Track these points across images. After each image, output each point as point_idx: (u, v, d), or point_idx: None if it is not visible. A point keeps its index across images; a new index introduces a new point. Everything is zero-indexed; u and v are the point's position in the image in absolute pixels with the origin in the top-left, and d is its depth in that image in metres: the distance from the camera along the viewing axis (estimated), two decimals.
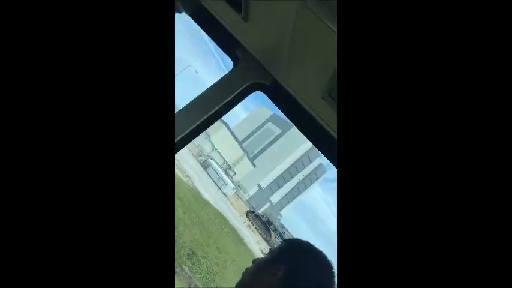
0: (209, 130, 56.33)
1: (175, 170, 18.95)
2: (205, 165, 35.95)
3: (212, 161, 38.70)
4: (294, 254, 1.03)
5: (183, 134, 1.22)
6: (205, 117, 1.25)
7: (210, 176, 34.04)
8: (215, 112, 1.27)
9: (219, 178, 34.79)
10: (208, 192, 23.54)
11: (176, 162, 21.75)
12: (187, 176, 20.12)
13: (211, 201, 20.64)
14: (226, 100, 1.26)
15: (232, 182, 43.52)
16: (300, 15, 0.83)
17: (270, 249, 1.11)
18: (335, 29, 0.72)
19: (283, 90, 1.23)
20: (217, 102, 1.26)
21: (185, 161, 24.72)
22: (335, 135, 1.12)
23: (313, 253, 1.02)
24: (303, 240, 1.10)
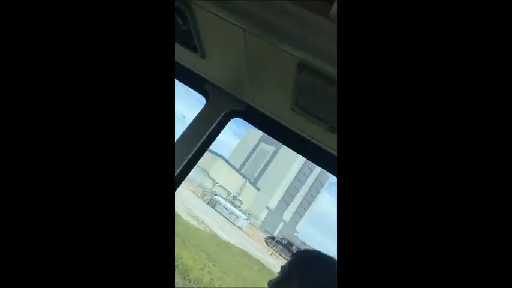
0: (206, 166, 56.08)
1: (190, 219, 18.58)
2: (212, 204, 35.48)
3: (218, 197, 38.23)
4: (304, 265, 1.05)
5: (177, 171, 1.31)
6: (192, 152, 1.34)
7: (221, 213, 33.54)
8: (200, 146, 1.36)
9: (230, 213, 34.30)
10: (224, 230, 23.10)
11: (188, 209, 21.37)
12: (202, 223, 19.77)
13: (231, 241, 20.23)
14: (207, 133, 1.36)
15: (243, 212, 42.92)
16: (248, 41, 0.93)
17: (280, 266, 1.12)
18: (283, 47, 0.82)
19: (257, 111, 1.33)
20: (199, 137, 1.36)
21: (194, 206, 24.37)
22: (314, 141, 1.24)
23: (322, 259, 1.05)
24: (309, 250, 1.11)
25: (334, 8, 0.72)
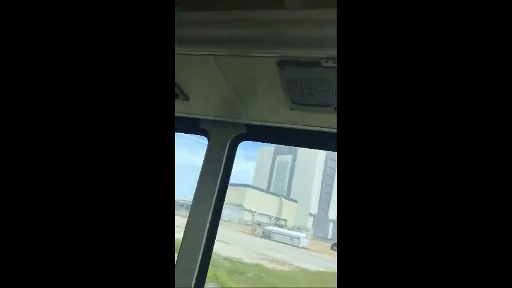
0: (237, 201, 54.58)
1: (271, 264, 16.98)
2: (268, 236, 33.71)
3: (271, 227, 36.49)
4: None
5: (209, 216, 1.33)
6: (215, 192, 1.35)
7: (283, 242, 31.73)
8: (221, 182, 1.36)
9: (291, 238, 32.45)
10: (303, 259, 21.32)
11: (261, 254, 19.74)
12: (282, 262, 18.04)
13: (309, 266, 18.48)
14: (222, 167, 1.36)
15: (295, 230, 41.07)
16: (221, 64, 0.96)
17: None
18: (254, 54, 0.85)
19: (259, 126, 1.35)
20: (216, 175, 1.35)
21: (259, 246, 22.66)
22: (324, 129, 1.26)
23: None
24: None
25: None
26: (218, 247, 17.96)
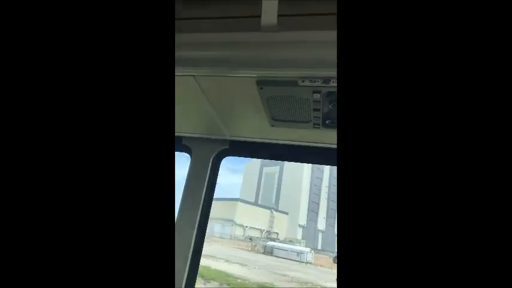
0: (228, 215, 53.11)
1: (294, 284, 15.99)
2: (270, 252, 32.59)
3: (271, 243, 35.39)
4: None
5: (195, 231, 1.37)
6: (200, 206, 1.38)
7: (286, 258, 30.72)
8: (205, 196, 1.39)
9: (298, 254, 31.48)
10: (316, 275, 20.47)
11: (277, 273, 18.69)
12: (311, 283, 17.10)
13: (334, 286, 17.72)
14: (206, 183, 1.40)
15: (285, 242, 40.18)
16: (202, 84, 1.00)
17: None
18: (233, 75, 0.90)
19: (241, 142, 1.38)
20: (200, 190, 1.39)
21: (271, 265, 21.58)
22: (305, 143, 1.31)
23: None
24: None
25: (264, 20, 0.77)
26: (233, 268, 16.76)
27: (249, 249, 34.23)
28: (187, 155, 1.48)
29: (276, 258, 29.78)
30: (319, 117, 1.07)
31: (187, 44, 0.84)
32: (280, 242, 41.61)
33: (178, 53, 0.83)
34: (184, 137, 1.44)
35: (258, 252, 33.10)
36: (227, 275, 14.58)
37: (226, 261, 19.76)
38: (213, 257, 19.60)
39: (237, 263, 19.03)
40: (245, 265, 19.06)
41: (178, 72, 0.87)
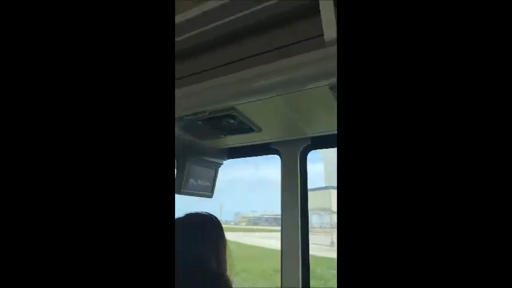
0: (323, 205, 52.58)
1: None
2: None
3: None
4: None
5: (299, 225, 1.52)
6: (298, 201, 1.55)
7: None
8: (301, 191, 1.55)
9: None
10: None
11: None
12: None
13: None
14: (299, 178, 1.57)
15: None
16: (283, 100, 1.13)
17: None
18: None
19: (322, 136, 1.53)
20: (295, 187, 1.55)
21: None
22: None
23: (183, 223, 1.13)
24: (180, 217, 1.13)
25: (327, 36, 0.76)
26: None
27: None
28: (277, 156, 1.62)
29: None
30: None
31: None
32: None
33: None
34: (273, 142, 1.59)
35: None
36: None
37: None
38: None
39: None
40: None
41: (267, 96, 0.94)
